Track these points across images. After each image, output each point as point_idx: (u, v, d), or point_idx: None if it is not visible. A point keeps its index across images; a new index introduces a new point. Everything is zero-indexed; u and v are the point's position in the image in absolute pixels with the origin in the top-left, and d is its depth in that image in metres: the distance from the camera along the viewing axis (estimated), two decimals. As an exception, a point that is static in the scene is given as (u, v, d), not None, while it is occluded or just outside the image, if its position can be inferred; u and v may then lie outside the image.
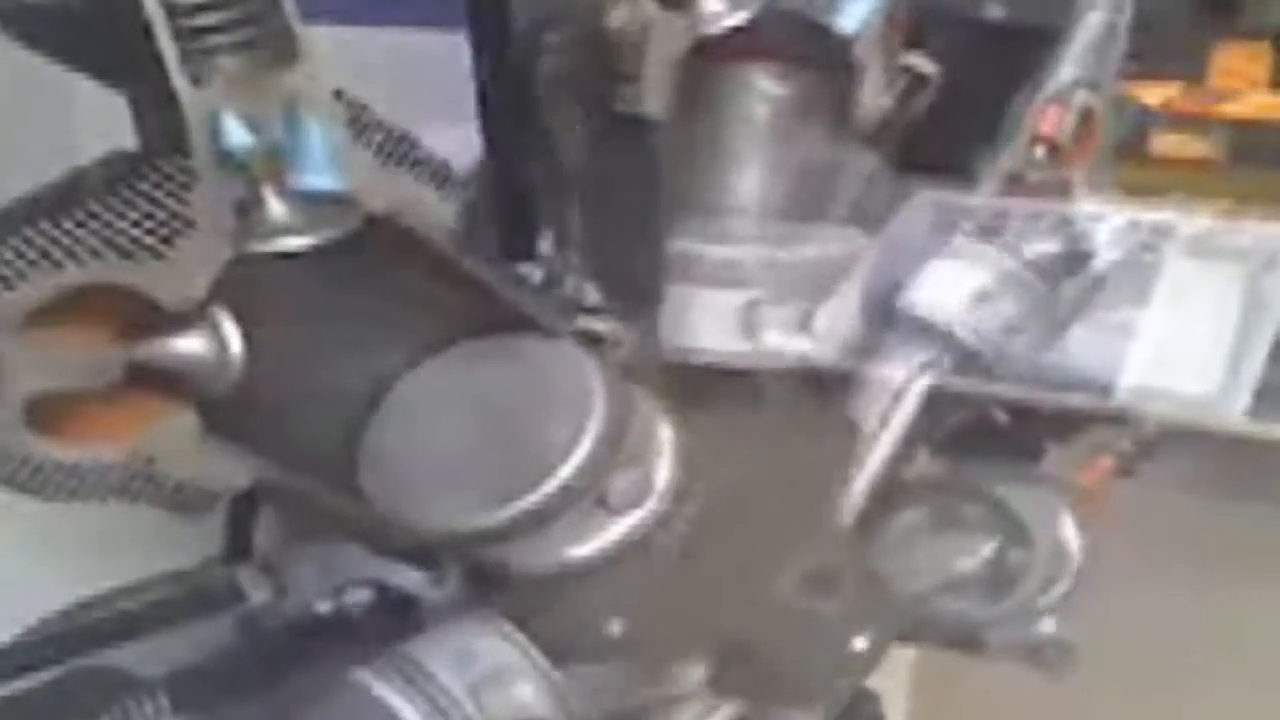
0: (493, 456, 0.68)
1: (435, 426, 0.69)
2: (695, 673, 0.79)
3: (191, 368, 0.62)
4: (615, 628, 0.74)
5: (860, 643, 0.79)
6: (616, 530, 0.70)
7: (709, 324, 0.80)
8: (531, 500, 0.66)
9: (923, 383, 0.85)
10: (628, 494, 0.70)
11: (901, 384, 0.85)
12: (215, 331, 0.62)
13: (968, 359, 0.84)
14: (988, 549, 0.90)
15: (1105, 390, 0.81)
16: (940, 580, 0.91)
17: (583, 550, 0.70)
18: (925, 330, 0.84)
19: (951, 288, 0.84)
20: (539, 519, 0.67)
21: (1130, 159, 1.03)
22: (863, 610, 0.80)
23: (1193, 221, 0.86)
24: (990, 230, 0.87)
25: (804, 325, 0.81)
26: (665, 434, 0.73)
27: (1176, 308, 0.84)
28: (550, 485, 0.67)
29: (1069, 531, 0.91)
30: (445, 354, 0.70)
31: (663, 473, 0.72)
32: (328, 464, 0.69)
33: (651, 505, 0.71)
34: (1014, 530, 0.90)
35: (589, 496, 0.69)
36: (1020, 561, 0.90)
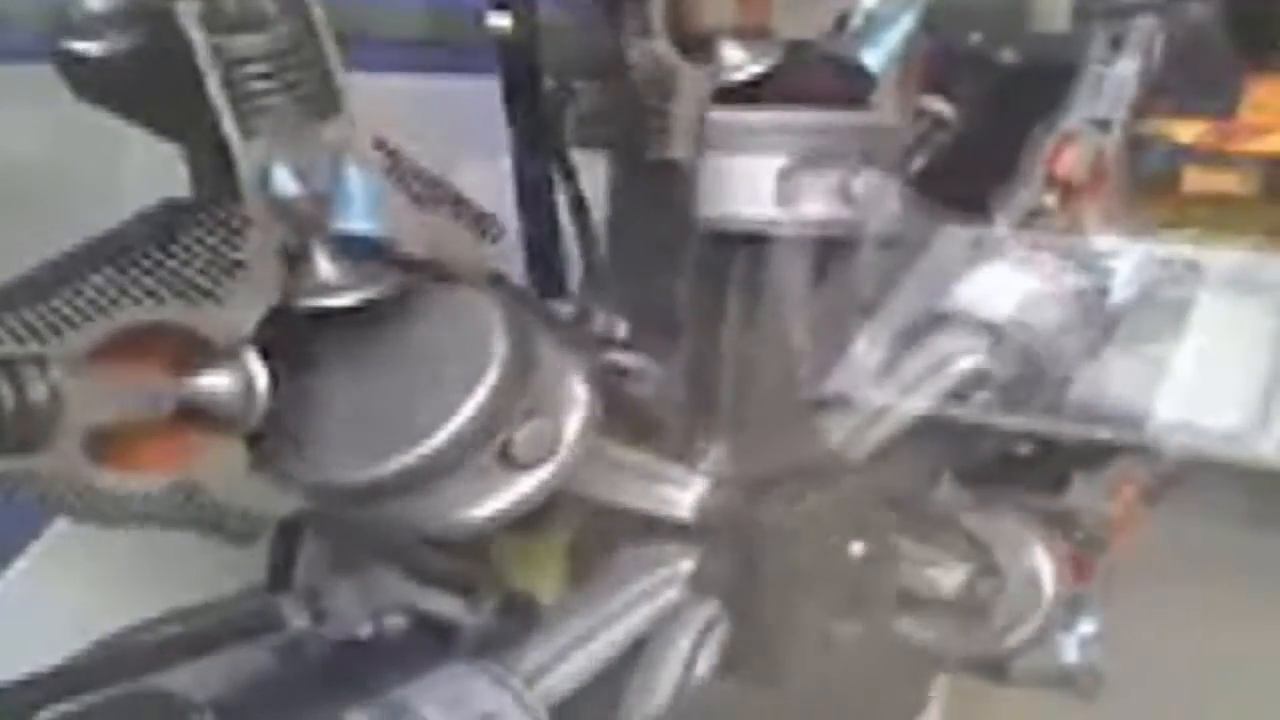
0: (388, 408, 0.64)
1: (334, 379, 0.65)
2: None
3: (219, 403, 0.63)
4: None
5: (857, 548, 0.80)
6: (521, 487, 0.66)
7: (745, 192, 0.78)
8: (422, 451, 0.62)
9: (961, 366, 0.85)
10: (533, 447, 0.65)
11: (937, 363, 0.85)
12: (242, 369, 0.63)
13: (1020, 356, 0.84)
14: (959, 574, 0.90)
15: (1137, 424, 0.83)
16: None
17: (487, 508, 0.66)
18: (977, 328, 0.84)
19: (1004, 289, 0.85)
20: (431, 472, 0.63)
21: (1162, 195, 1.05)
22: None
23: (1224, 257, 0.88)
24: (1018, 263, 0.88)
25: (842, 192, 0.79)
26: (578, 388, 0.68)
27: (1208, 342, 0.85)
28: (441, 435, 0.62)
29: (1042, 564, 0.92)
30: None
31: (573, 427, 0.67)
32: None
33: (560, 462, 0.66)
34: (984, 559, 0.90)
35: (489, 450, 0.64)
36: (989, 592, 0.90)
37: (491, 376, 0.63)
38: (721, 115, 0.76)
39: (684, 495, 0.78)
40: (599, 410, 0.68)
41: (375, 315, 0.65)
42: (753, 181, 0.77)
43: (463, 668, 0.70)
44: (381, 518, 0.66)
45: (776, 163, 0.78)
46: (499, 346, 0.64)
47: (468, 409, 0.62)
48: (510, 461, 0.65)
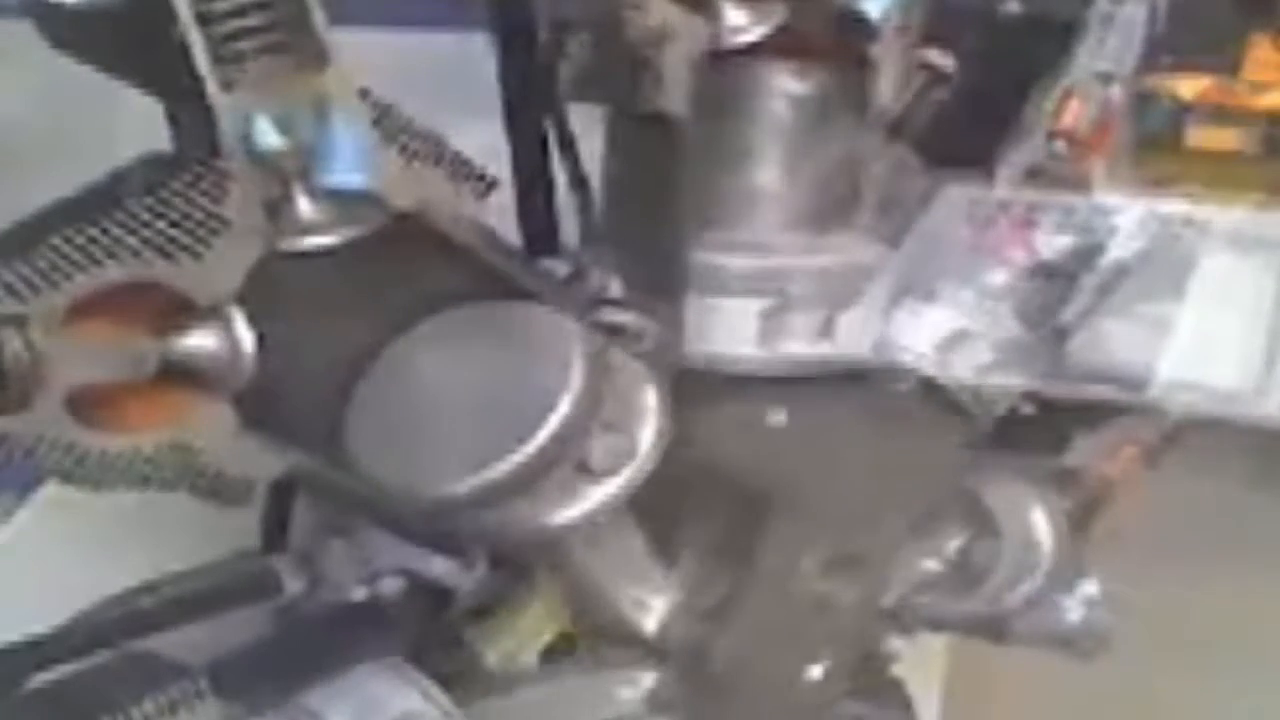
0: (472, 422, 0.68)
1: (418, 392, 0.69)
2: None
3: (204, 363, 0.63)
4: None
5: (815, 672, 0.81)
6: (598, 495, 0.70)
7: (727, 332, 0.79)
8: (508, 465, 0.66)
9: None
10: (609, 458, 0.69)
11: None
12: (228, 328, 0.63)
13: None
14: (956, 541, 0.90)
15: (1139, 383, 0.82)
16: (912, 574, 0.90)
17: (564, 515, 0.69)
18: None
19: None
20: (517, 484, 0.67)
21: (1164, 151, 1.03)
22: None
23: (1226, 214, 0.86)
24: (1014, 224, 0.87)
25: (825, 331, 0.81)
26: (650, 398, 0.71)
27: (1210, 301, 0.84)
28: (526, 450, 0.66)
29: (1040, 525, 0.91)
30: (429, 320, 0.69)
31: (646, 437, 0.71)
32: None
33: (634, 469, 0.70)
34: (982, 522, 0.90)
35: (569, 461, 0.68)
36: (988, 554, 0.89)
37: (571, 393, 0.67)
38: (703, 259, 0.79)
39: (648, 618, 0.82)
40: (671, 419, 0.71)
41: (452, 328, 0.68)
42: (734, 322, 0.79)
43: (376, 670, 0.73)
44: (454, 526, 0.71)
45: (758, 305, 0.79)
46: (577, 363, 0.68)
47: (550, 426, 0.66)
48: (587, 472, 0.69)
